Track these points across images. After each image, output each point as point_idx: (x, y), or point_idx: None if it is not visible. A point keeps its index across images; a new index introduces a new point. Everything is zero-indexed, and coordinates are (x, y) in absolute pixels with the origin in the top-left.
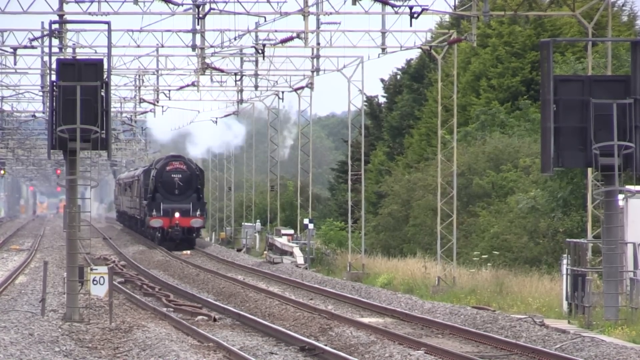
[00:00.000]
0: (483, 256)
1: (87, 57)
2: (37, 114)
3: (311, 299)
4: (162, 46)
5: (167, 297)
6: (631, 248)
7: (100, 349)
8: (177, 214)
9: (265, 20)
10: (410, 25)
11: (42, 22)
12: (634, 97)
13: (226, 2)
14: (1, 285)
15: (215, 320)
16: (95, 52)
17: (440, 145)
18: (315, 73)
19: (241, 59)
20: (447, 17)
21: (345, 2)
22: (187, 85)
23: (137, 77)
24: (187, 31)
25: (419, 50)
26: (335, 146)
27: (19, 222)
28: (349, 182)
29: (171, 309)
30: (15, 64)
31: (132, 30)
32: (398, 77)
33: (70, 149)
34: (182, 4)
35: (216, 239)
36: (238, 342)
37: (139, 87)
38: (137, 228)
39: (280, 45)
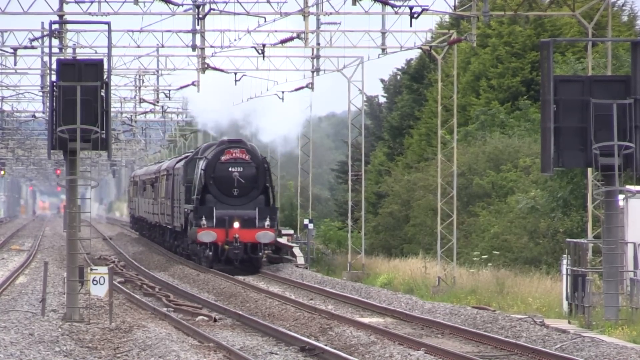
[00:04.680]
0: (483, 256)
1: (87, 58)
2: (37, 114)
3: (311, 299)
4: (162, 46)
5: (167, 297)
6: (631, 248)
7: (101, 349)
8: (236, 224)
9: (265, 21)
10: (410, 26)
11: (42, 23)
12: (634, 97)
13: (226, 3)
14: (1, 285)
15: (215, 320)
16: (96, 53)
17: (440, 146)
18: (315, 73)
19: (241, 59)
20: (447, 17)
21: (345, 2)
22: (187, 85)
23: (137, 77)
24: (187, 31)
25: (419, 50)
26: (335, 146)
27: (18, 222)
28: (349, 182)
29: (171, 309)
30: (15, 64)
31: (132, 31)
32: (398, 77)
33: (71, 149)
34: (182, 5)
35: None
36: (238, 342)
37: (139, 87)
38: (161, 240)
39: (280, 45)
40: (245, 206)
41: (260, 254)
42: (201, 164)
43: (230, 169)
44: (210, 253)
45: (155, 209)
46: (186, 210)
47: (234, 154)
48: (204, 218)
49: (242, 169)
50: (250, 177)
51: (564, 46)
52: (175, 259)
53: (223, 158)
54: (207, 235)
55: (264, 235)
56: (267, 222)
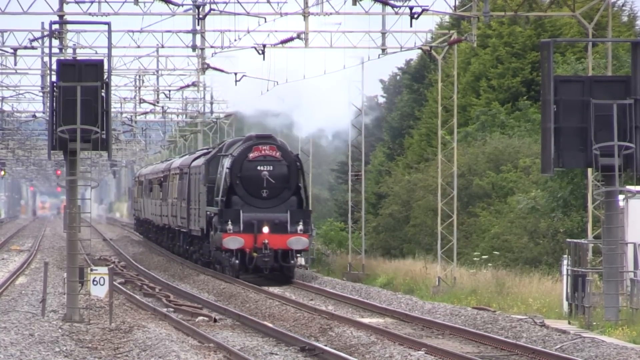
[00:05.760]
0: (483, 257)
1: (87, 58)
2: (37, 115)
3: (311, 300)
4: (162, 47)
5: (168, 298)
6: (631, 248)
7: (101, 349)
8: (265, 229)
9: (265, 21)
10: (411, 26)
11: (42, 23)
12: (634, 98)
13: (226, 3)
14: (2, 285)
15: (215, 320)
16: (96, 53)
17: (440, 146)
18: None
19: (241, 59)
20: (447, 18)
21: (345, 2)
22: (188, 86)
23: (137, 77)
24: (187, 32)
25: (419, 50)
26: (335, 146)
27: (19, 222)
28: (349, 183)
29: (171, 310)
30: (15, 64)
31: (133, 31)
32: (398, 77)
33: (71, 149)
34: (183, 5)
35: None
36: (238, 342)
37: (139, 88)
38: (170, 244)
39: (280, 45)
40: (275, 209)
41: (292, 262)
42: (226, 162)
43: (258, 167)
44: (237, 261)
45: (164, 210)
46: (209, 213)
47: (263, 151)
48: (229, 222)
49: (272, 168)
50: (281, 177)
51: (564, 46)
52: (191, 267)
53: (251, 155)
54: (233, 242)
55: (297, 241)
56: (300, 227)
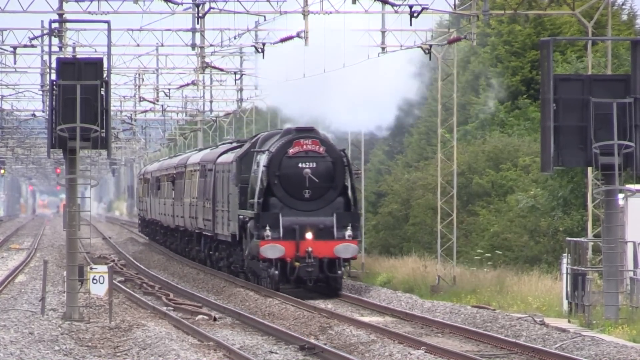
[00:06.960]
0: (487, 254)
1: (87, 56)
2: (36, 113)
3: (311, 298)
4: (162, 45)
5: (167, 296)
6: (631, 247)
7: (100, 348)
8: (309, 235)
9: (265, 20)
10: (410, 25)
11: (42, 21)
12: (634, 96)
13: (226, 1)
14: (1, 284)
15: (215, 319)
16: (95, 51)
17: (440, 144)
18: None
19: (241, 57)
20: (446, 16)
21: (345, 1)
22: (187, 84)
23: (137, 76)
24: (187, 30)
25: (419, 49)
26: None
27: (18, 221)
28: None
29: (171, 308)
30: (15, 63)
31: (132, 30)
32: None
33: (70, 147)
34: (182, 3)
35: None
36: (238, 341)
37: (139, 86)
38: (185, 248)
39: (280, 44)
40: (319, 212)
41: (340, 272)
42: (262, 159)
43: (300, 164)
44: (277, 272)
45: (177, 210)
46: (242, 217)
47: (304, 146)
48: (267, 228)
49: (315, 165)
50: (325, 175)
51: (563, 45)
52: (223, 277)
53: (291, 151)
54: (272, 250)
55: (345, 249)
56: (349, 232)
